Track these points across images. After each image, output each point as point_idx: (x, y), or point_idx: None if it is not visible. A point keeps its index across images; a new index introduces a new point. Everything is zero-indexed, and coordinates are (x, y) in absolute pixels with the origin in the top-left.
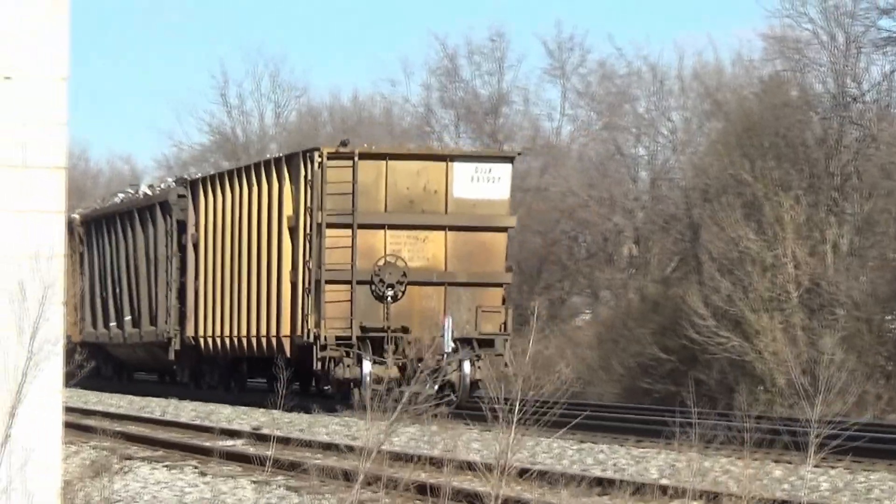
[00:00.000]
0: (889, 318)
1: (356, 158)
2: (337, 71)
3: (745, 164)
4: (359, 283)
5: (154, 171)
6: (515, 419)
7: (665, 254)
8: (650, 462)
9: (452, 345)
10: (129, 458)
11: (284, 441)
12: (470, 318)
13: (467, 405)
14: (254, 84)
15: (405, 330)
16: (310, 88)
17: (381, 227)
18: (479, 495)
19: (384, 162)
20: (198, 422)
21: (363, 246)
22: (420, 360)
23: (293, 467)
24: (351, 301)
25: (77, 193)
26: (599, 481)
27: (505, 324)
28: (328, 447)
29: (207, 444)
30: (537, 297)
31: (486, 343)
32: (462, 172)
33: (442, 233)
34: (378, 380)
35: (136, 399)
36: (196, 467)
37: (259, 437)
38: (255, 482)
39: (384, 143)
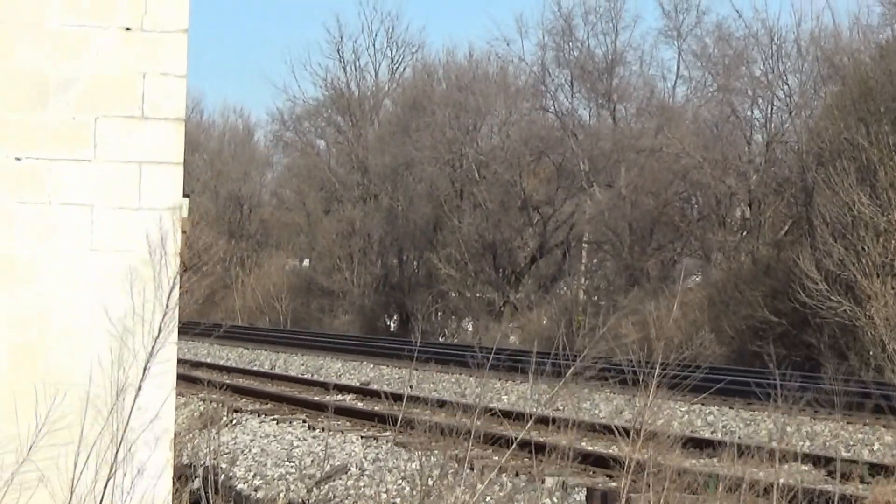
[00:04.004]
0: None
1: None
2: (452, 28)
3: (860, 128)
4: None
5: (267, 125)
6: (655, 383)
7: (778, 217)
8: (760, 424)
9: None
10: (238, 410)
11: (395, 397)
12: None
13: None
14: (369, 39)
15: None
16: (425, 45)
17: None
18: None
19: None
20: (307, 376)
21: None
22: None
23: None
24: None
25: (191, 146)
26: (709, 443)
27: None
28: (442, 404)
29: (317, 398)
30: (649, 258)
31: None
32: None
33: None
34: None
35: (246, 352)
36: (305, 421)
37: (368, 393)
38: (363, 437)
39: (499, 103)
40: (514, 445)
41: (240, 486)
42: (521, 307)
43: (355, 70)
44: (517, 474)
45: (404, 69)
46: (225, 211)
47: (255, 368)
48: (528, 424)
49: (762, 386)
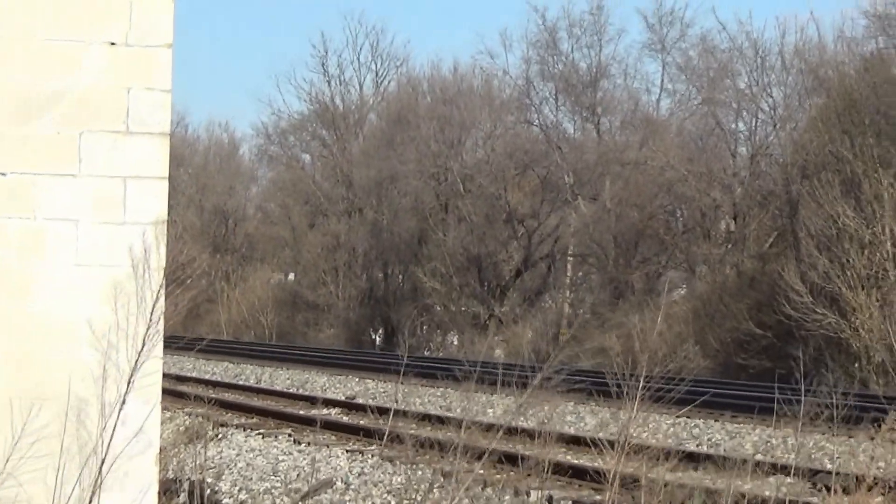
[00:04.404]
0: None
1: None
2: (437, 42)
3: (844, 140)
4: None
5: (252, 139)
6: (639, 395)
7: (762, 230)
8: (745, 438)
9: None
10: (224, 425)
11: (380, 411)
12: None
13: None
14: (354, 53)
15: None
16: (410, 59)
17: None
18: (584, 470)
19: None
20: (293, 390)
21: None
22: None
23: (389, 438)
24: None
25: (176, 160)
26: (694, 456)
27: None
28: (424, 418)
29: (302, 412)
30: (633, 271)
31: None
32: None
33: None
34: None
35: (231, 366)
36: (290, 435)
37: (353, 407)
38: (349, 451)
39: (484, 116)
40: (486, 455)
41: (225, 501)
42: (506, 320)
43: (340, 84)
44: (503, 487)
45: (389, 83)
46: (210, 225)
47: (241, 383)
48: (498, 434)
49: (746, 399)
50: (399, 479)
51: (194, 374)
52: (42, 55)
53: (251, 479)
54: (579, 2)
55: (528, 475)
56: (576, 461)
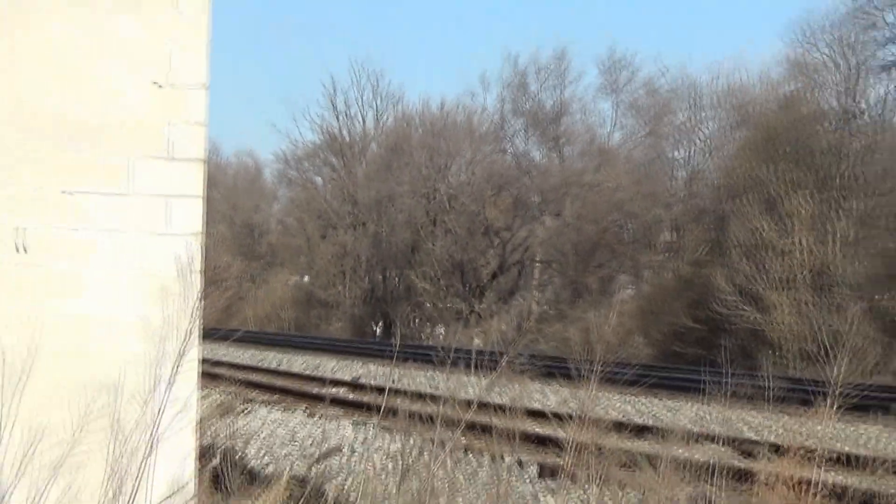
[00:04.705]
0: (879, 297)
1: None
2: (428, 83)
3: (766, 166)
4: None
5: (273, 165)
6: (595, 378)
7: (697, 240)
8: (681, 412)
9: None
10: (251, 401)
11: (379, 390)
12: None
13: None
14: (358, 92)
15: None
16: (404, 97)
17: None
18: (548, 439)
19: None
20: (307, 373)
21: None
22: None
23: (386, 412)
24: None
25: (210, 182)
26: (640, 428)
27: None
28: (416, 395)
29: (315, 390)
30: (590, 275)
31: None
32: None
33: None
34: None
35: (257, 353)
36: (306, 409)
37: (357, 387)
38: (354, 422)
39: (466, 146)
40: (463, 425)
41: (252, 463)
42: (484, 315)
43: (346, 118)
44: (480, 452)
45: (387, 118)
46: (239, 236)
47: (264, 366)
48: (473, 408)
49: (682, 381)
50: (395, 446)
51: (227, 359)
52: (99, 92)
53: (273, 445)
54: (546, 50)
55: (501, 443)
56: (541, 431)
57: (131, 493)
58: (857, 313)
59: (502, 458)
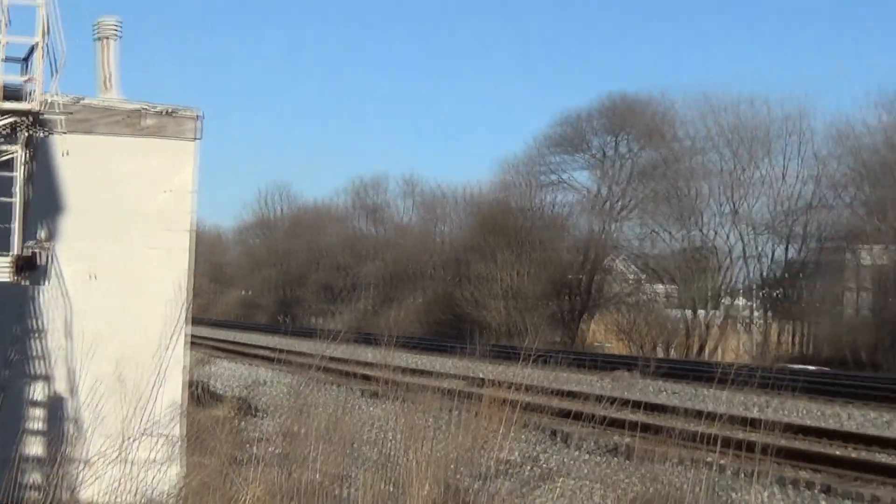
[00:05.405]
0: (545, 303)
1: None
2: (315, 188)
3: (489, 238)
4: None
5: (229, 232)
6: (394, 344)
7: (450, 273)
8: (446, 364)
9: None
10: (216, 357)
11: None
12: None
13: None
14: (274, 195)
15: None
16: (302, 196)
17: None
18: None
19: None
20: (246, 342)
21: None
22: None
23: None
24: None
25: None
26: (421, 371)
27: None
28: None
29: (251, 351)
30: (395, 291)
31: None
32: None
33: None
34: None
35: (221, 331)
36: (245, 362)
37: (274, 349)
38: (272, 369)
39: (331, 223)
40: (322, 369)
41: (216, 389)
42: (342, 311)
43: (268, 208)
44: (337, 385)
45: (286, 209)
46: (211, 270)
47: (224, 339)
48: (327, 356)
49: (451, 347)
50: (290, 379)
51: (203, 335)
52: (137, 195)
53: (227, 380)
54: (369, 174)
55: (347, 378)
56: (366, 373)
57: (150, 405)
58: (537, 313)
59: (351, 388)
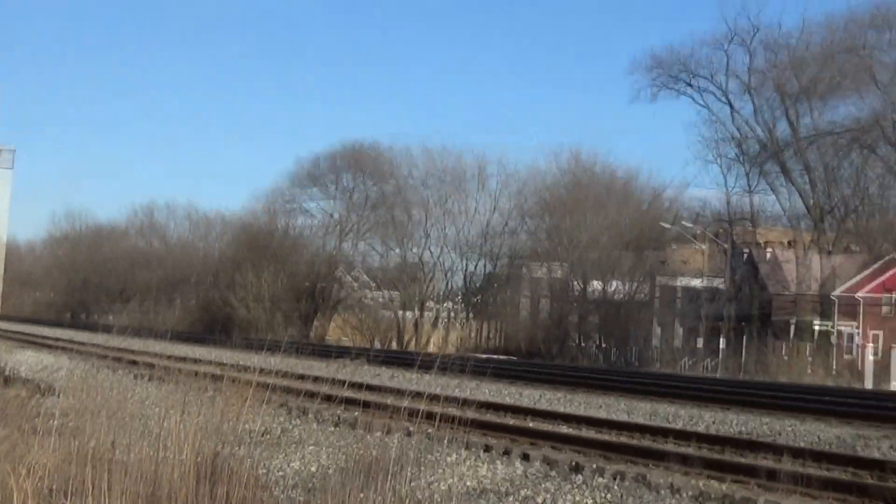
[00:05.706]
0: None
1: None
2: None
3: (246, 250)
4: None
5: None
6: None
7: (219, 283)
8: (212, 353)
9: None
10: (22, 347)
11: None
12: None
13: None
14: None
15: None
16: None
17: None
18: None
19: None
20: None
21: None
22: None
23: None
24: None
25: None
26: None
27: None
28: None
29: (52, 343)
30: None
31: None
32: None
33: None
34: None
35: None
36: (47, 350)
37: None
38: (70, 358)
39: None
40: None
41: (25, 375)
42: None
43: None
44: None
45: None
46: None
47: (34, 333)
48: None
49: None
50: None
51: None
52: None
53: (32, 366)
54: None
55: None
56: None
57: None
58: (281, 313)
59: (131, 372)
